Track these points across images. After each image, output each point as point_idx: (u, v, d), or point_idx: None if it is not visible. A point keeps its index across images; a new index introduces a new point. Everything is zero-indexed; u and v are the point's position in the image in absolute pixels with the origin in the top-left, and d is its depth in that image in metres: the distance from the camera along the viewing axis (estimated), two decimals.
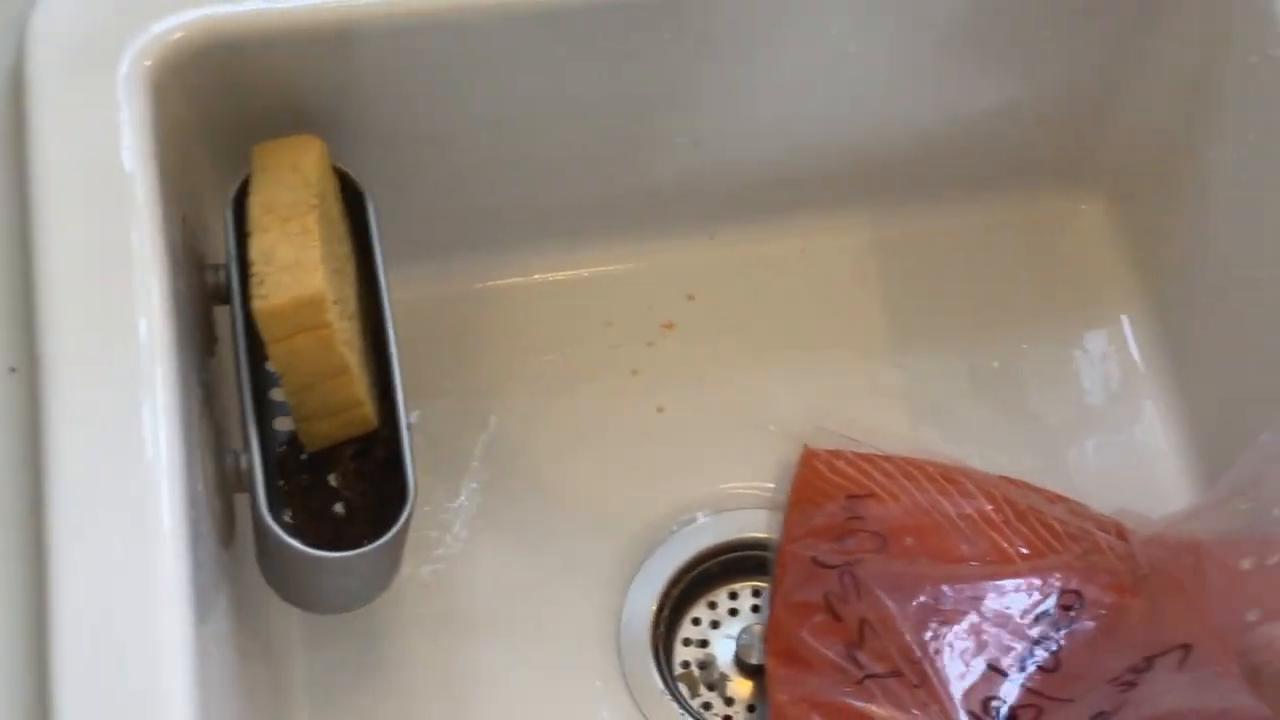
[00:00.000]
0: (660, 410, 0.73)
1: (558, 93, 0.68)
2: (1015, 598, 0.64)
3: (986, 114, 0.73)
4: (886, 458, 0.70)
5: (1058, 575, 0.65)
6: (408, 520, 0.59)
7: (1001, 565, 0.66)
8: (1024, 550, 0.67)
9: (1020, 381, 0.75)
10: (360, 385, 0.60)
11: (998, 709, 0.63)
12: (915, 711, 0.63)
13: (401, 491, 0.60)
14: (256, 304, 0.57)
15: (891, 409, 0.73)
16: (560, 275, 0.75)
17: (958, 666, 0.63)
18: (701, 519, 0.71)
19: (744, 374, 0.74)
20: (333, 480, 0.62)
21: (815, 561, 0.67)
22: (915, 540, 0.67)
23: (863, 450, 0.70)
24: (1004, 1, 0.69)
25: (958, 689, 0.63)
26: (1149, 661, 0.62)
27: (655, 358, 0.74)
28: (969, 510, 0.67)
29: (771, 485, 0.71)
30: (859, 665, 0.65)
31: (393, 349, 0.62)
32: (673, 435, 0.72)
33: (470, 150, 0.69)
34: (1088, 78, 0.72)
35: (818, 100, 0.71)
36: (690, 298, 0.75)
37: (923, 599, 0.65)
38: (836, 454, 0.70)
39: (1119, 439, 0.73)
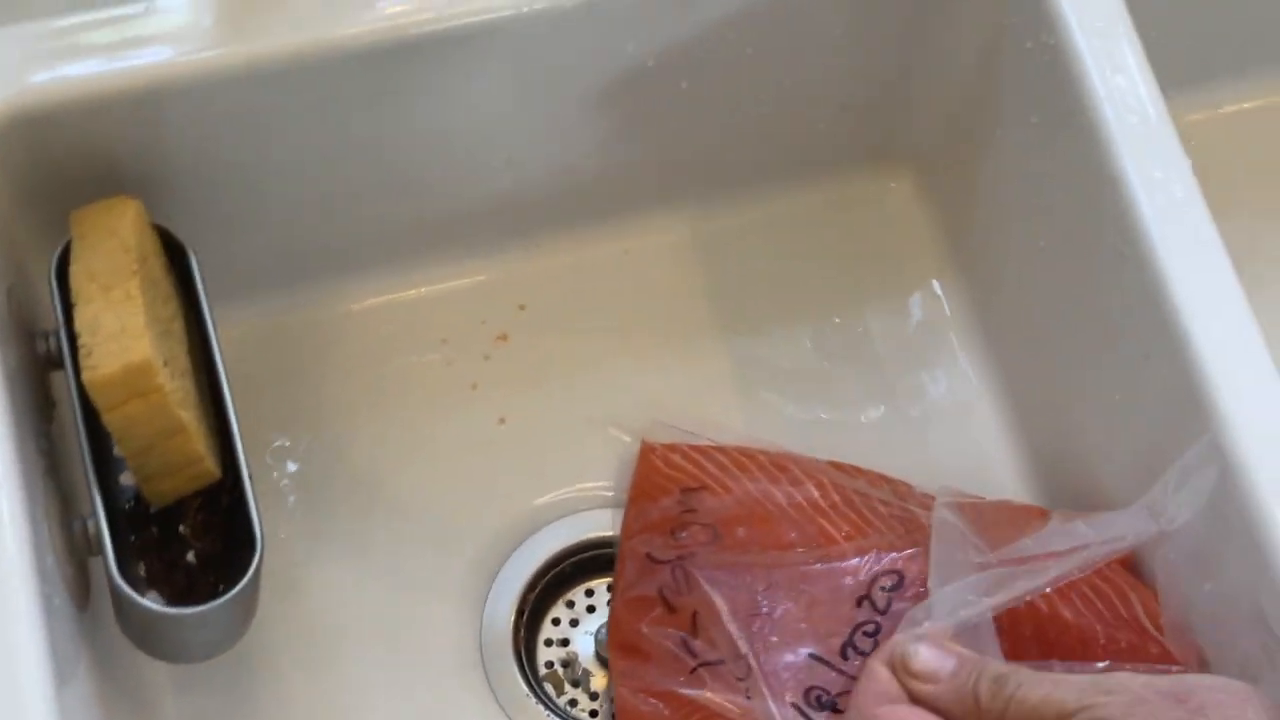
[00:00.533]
0: (502, 421, 0.74)
1: (361, 132, 0.69)
2: (839, 582, 0.65)
3: (793, 103, 0.75)
4: (720, 449, 0.71)
5: (878, 556, 0.66)
6: (258, 568, 0.60)
7: (827, 549, 0.66)
8: (850, 534, 0.67)
9: (846, 353, 0.76)
10: (198, 441, 0.61)
11: (819, 698, 0.64)
12: (748, 697, 0.64)
13: (250, 538, 0.61)
14: (86, 375, 0.58)
15: (726, 397, 0.75)
16: (391, 298, 0.75)
17: (782, 657, 0.64)
18: (552, 523, 0.72)
19: (582, 377, 0.75)
20: (183, 529, 0.64)
21: (650, 557, 0.68)
22: (746, 530, 0.68)
23: (698, 442, 0.71)
24: None
25: (783, 680, 0.64)
26: None
27: (493, 370, 0.75)
28: (799, 498, 0.68)
29: (616, 484, 0.72)
30: (693, 654, 0.65)
31: (228, 401, 0.62)
32: (517, 444, 0.73)
33: (285, 192, 0.70)
34: (883, 65, 0.74)
35: (619, 104, 0.72)
36: (522, 308, 0.76)
37: (750, 590, 0.65)
38: (672, 448, 0.71)
39: (936, 399, 0.75)
